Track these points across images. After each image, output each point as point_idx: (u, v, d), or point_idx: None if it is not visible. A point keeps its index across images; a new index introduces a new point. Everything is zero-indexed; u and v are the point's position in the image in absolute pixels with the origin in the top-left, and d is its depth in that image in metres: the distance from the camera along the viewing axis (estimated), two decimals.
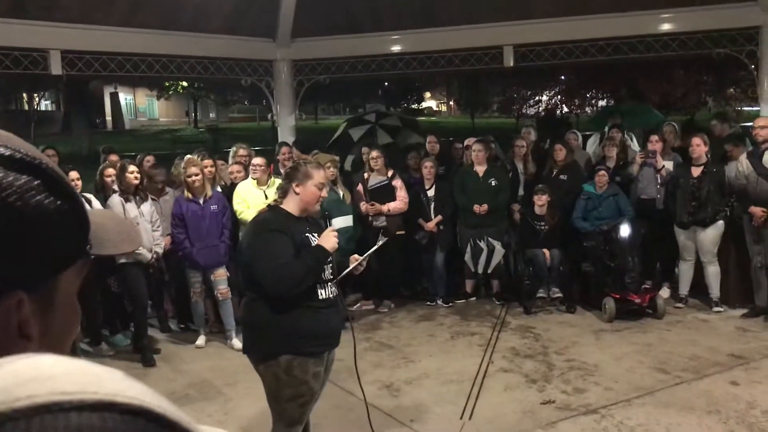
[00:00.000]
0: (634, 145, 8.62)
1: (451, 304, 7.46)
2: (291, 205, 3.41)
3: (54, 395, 0.40)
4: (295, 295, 3.30)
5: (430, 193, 7.42)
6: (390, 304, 7.48)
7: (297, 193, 3.38)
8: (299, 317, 3.35)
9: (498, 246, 7.28)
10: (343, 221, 6.75)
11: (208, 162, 6.77)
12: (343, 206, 6.79)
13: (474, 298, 7.62)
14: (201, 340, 6.48)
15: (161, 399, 0.44)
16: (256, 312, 3.43)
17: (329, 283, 3.45)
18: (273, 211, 3.46)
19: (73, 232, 0.69)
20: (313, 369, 3.40)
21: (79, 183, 6.05)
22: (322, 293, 3.41)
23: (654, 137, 7.39)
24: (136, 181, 6.10)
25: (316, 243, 3.39)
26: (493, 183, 7.32)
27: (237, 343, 6.39)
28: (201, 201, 6.28)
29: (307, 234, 3.41)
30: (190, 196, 6.26)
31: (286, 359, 3.34)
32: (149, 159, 7.59)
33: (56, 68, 7.69)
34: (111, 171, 6.47)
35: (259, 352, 3.47)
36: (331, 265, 3.46)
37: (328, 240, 3.37)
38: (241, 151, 7.32)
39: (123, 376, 0.45)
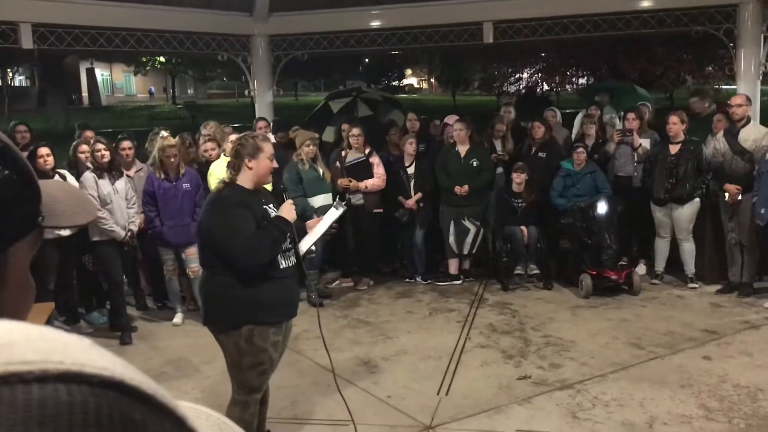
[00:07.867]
0: (620, 124, 8.60)
1: (429, 281, 7.46)
2: (245, 180, 3.49)
3: (12, 365, 0.35)
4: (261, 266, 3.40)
5: (410, 170, 7.39)
6: (369, 281, 7.48)
7: (250, 168, 3.46)
8: (261, 287, 3.45)
9: (473, 228, 7.27)
10: (324, 199, 6.72)
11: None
12: (324, 184, 6.74)
13: (460, 281, 7.42)
14: (178, 318, 6.44)
15: (134, 370, 0.40)
16: (216, 285, 3.53)
17: (288, 253, 3.56)
18: (229, 187, 3.53)
19: (23, 203, 0.66)
20: (273, 338, 3.51)
21: (50, 159, 5.87)
22: (283, 263, 3.52)
23: (630, 115, 7.41)
24: (105, 159, 5.96)
25: (276, 214, 3.50)
26: (475, 164, 7.29)
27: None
28: (173, 179, 6.21)
29: (264, 206, 3.52)
30: (162, 175, 6.19)
31: (247, 329, 3.45)
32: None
33: (27, 42, 7.49)
34: (84, 147, 6.40)
35: (220, 323, 3.57)
36: (290, 235, 3.54)
37: (289, 211, 3.49)
38: (209, 128, 7.24)
39: (91, 343, 0.41)
